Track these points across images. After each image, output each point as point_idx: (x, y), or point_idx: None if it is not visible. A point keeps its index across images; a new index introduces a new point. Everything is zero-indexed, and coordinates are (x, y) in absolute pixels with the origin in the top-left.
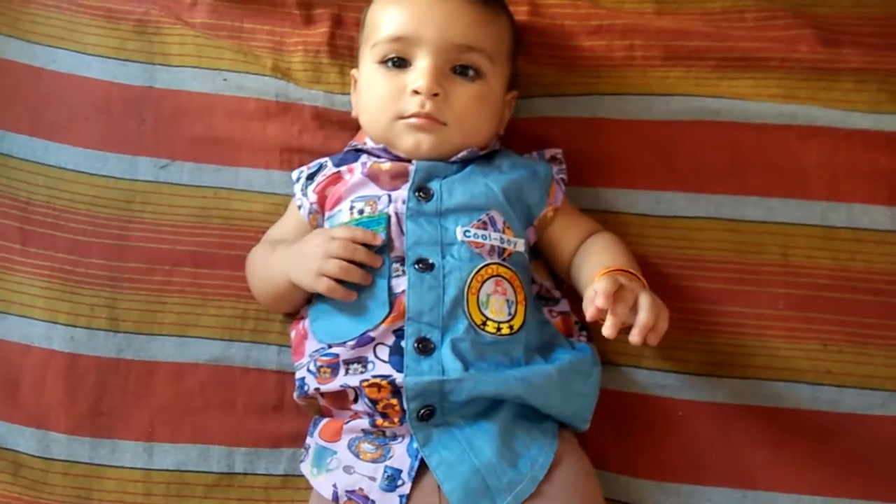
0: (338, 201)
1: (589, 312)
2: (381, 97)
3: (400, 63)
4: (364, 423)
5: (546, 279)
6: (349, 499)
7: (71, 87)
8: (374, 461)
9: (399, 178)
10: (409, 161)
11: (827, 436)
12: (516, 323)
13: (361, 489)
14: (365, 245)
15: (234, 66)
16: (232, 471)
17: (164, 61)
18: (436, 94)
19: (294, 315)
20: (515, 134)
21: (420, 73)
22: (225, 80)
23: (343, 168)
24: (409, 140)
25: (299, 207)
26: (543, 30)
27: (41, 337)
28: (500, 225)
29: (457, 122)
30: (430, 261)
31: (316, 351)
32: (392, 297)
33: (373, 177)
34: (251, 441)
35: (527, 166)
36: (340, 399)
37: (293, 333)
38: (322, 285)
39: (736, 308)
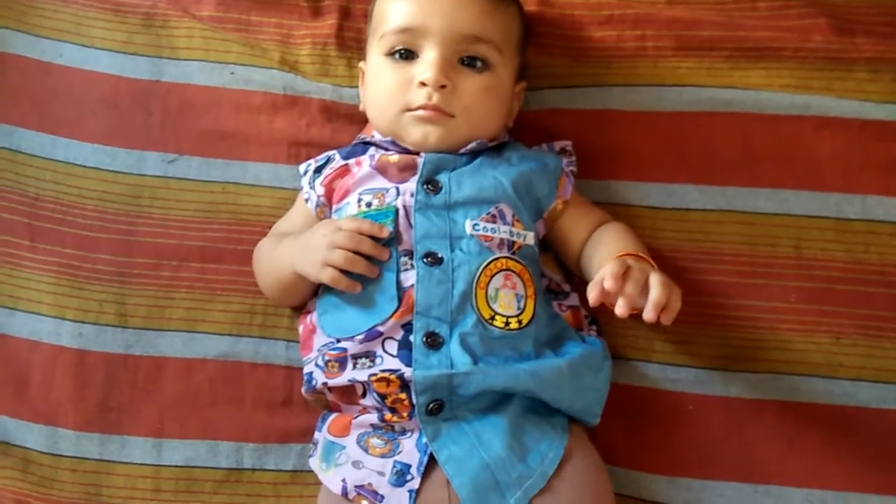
0: (345, 194)
1: (592, 295)
2: (388, 89)
3: (407, 55)
4: (373, 417)
5: (556, 273)
6: (358, 493)
7: (78, 82)
8: (383, 456)
9: (407, 170)
10: (417, 154)
11: (840, 430)
12: (525, 317)
13: (370, 484)
14: (372, 237)
15: (242, 60)
16: (241, 466)
17: (172, 55)
18: (443, 86)
19: (301, 309)
20: (525, 126)
21: (427, 64)
22: (232, 73)
23: (351, 161)
24: (416, 132)
25: (307, 200)
26: (553, 20)
27: (49, 333)
28: (509, 218)
29: (465, 114)
30: (439, 254)
31: (324, 345)
32: (401, 291)
33: (381, 169)
34: (260, 437)
35: (536, 158)
36: (349, 394)
37: (301, 328)
38: (327, 275)
39: (748, 301)
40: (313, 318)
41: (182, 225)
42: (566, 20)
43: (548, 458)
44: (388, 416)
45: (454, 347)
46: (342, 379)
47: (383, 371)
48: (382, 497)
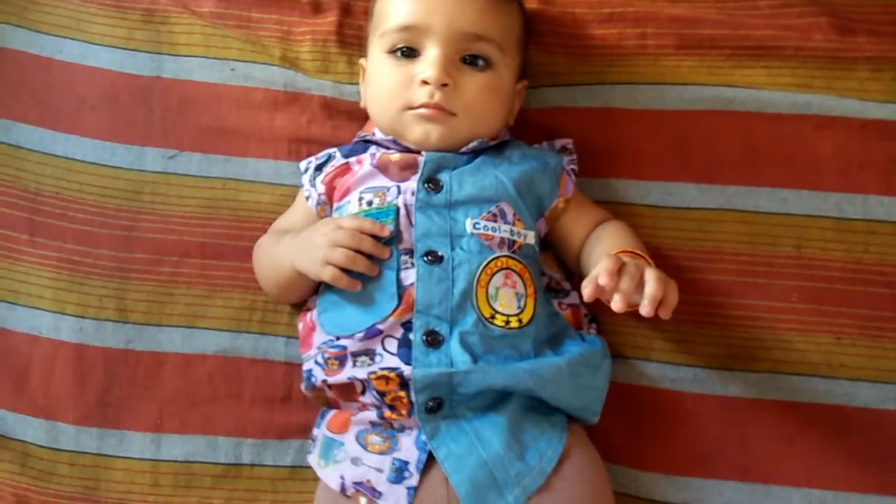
0: (346, 192)
1: (587, 291)
2: (389, 87)
3: (409, 53)
4: (372, 415)
5: (556, 271)
6: (356, 490)
7: (78, 77)
8: (381, 453)
9: (408, 169)
10: (418, 152)
11: (840, 430)
12: (525, 316)
13: (369, 481)
14: (373, 236)
15: (242, 56)
16: (240, 462)
17: (172, 51)
18: (445, 85)
19: (301, 306)
20: (526, 124)
21: (429, 63)
22: (233, 69)
23: (352, 159)
24: (417, 131)
25: (307, 198)
26: (554, 18)
27: (49, 328)
28: (510, 217)
29: (466, 113)
30: (440, 253)
31: (324, 343)
32: (401, 289)
33: (382, 168)
34: (259, 432)
35: (537, 157)
36: (348, 391)
37: (301, 325)
38: (327, 274)
39: (748, 301)
40: (313, 315)
41: (182, 221)
42: (567, 18)
43: (546, 455)
44: (387, 413)
45: (454, 346)
46: (342, 376)
47: (383, 369)
48: (381, 494)
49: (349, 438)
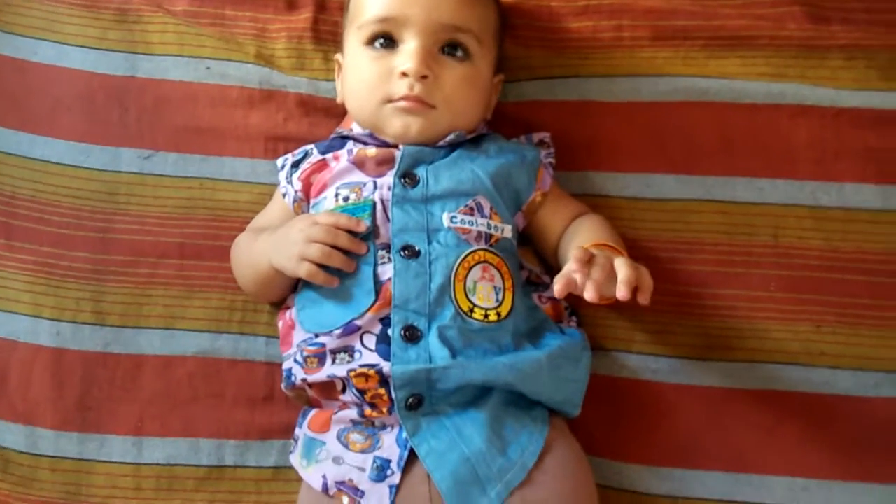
0: (323, 188)
1: (557, 287)
2: (368, 81)
3: (387, 43)
4: (353, 413)
5: (535, 265)
6: (339, 490)
7: (53, 79)
8: (363, 451)
9: (385, 164)
10: (395, 146)
11: (821, 418)
12: (504, 310)
13: (351, 480)
14: (349, 232)
15: (217, 54)
16: (222, 464)
17: (146, 50)
18: (425, 77)
19: (281, 305)
20: (503, 118)
21: (408, 55)
22: (208, 68)
23: (329, 155)
24: (397, 124)
25: (284, 195)
26: (530, 11)
27: (27, 332)
28: (487, 211)
29: (446, 105)
30: (417, 247)
31: (303, 341)
32: (378, 284)
33: (358, 164)
34: (241, 433)
35: (514, 151)
36: (328, 389)
37: (280, 324)
38: (303, 270)
39: (727, 290)
40: (292, 313)
41: (159, 221)
42: (543, 11)
43: (528, 450)
44: (367, 411)
45: (433, 341)
46: (321, 375)
47: (362, 366)
48: (363, 493)
49: (330, 437)
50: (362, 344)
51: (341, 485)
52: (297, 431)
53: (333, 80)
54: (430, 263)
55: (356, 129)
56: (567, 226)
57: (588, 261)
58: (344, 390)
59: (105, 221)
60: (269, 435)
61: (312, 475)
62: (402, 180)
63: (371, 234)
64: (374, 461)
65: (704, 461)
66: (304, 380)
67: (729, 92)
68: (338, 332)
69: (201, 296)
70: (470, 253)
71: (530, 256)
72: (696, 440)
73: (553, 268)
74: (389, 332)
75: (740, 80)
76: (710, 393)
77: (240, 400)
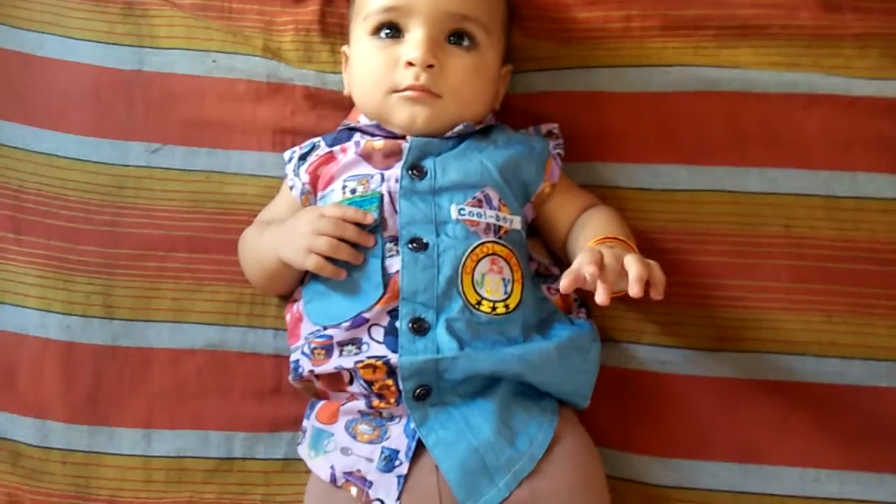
0: (330, 181)
1: (564, 283)
2: (374, 71)
3: (393, 33)
4: (360, 404)
5: (544, 256)
6: (347, 480)
7: (60, 73)
8: (371, 442)
9: (392, 156)
10: (403, 138)
11: (832, 408)
12: (512, 302)
13: (359, 470)
14: (357, 224)
15: (224, 48)
16: (231, 456)
17: (153, 44)
18: (431, 66)
19: (289, 298)
20: (511, 109)
21: (414, 44)
22: (214, 61)
23: (336, 148)
24: (403, 113)
25: (291, 188)
26: (538, 2)
27: (36, 326)
28: (495, 202)
29: (452, 95)
30: (425, 240)
31: (311, 333)
32: (386, 277)
33: (366, 156)
34: (250, 426)
35: (523, 142)
36: (336, 381)
37: (288, 316)
38: (311, 262)
39: (738, 281)
40: (300, 306)
41: (167, 215)
42: (551, 2)
43: (537, 440)
44: (375, 402)
45: (440, 333)
46: (329, 366)
47: (369, 358)
48: (371, 483)
49: (338, 428)
50: (370, 336)
51: (349, 475)
52: (305, 423)
53: (341, 72)
54: (438, 256)
55: (363, 121)
56: (576, 218)
57: (598, 261)
58: (351, 382)
59: (113, 215)
60: (278, 427)
61: (320, 466)
62: (410, 172)
63: (379, 226)
64: (383, 452)
65: (714, 452)
66: (311, 371)
67: (741, 81)
68: (346, 324)
69: (209, 289)
70: (478, 245)
71: (539, 248)
72: (707, 431)
73: (562, 260)
74: (397, 324)
75: (752, 70)
76: (720, 384)
77: (248, 392)
